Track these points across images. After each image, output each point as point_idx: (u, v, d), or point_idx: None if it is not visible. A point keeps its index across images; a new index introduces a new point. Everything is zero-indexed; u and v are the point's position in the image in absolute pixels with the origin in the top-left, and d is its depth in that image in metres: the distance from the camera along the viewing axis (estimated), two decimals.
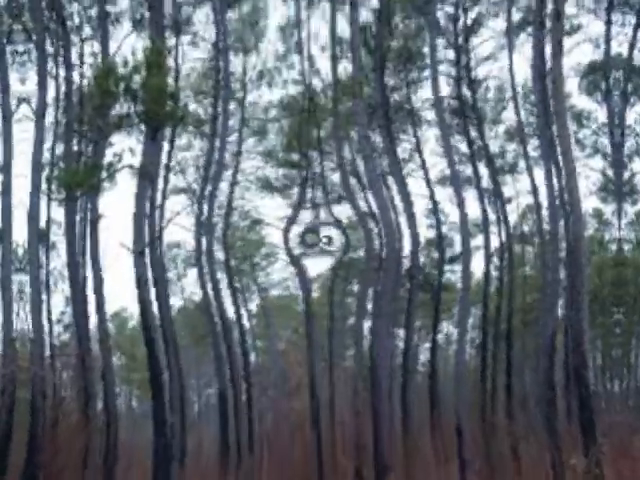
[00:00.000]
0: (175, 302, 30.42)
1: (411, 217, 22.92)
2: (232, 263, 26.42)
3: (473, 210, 23.57)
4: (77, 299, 18.69)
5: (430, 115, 24.79)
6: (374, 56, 23.09)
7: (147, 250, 17.41)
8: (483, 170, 24.36)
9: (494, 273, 24.91)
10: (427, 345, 26.56)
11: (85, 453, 17.21)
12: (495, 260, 25.02)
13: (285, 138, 25.96)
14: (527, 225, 26.88)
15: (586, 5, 21.21)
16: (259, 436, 23.97)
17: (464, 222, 20.92)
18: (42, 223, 18.97)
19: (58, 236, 21.68)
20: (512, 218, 25.30)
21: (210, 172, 24.05)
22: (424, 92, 24.81)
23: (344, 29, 22.35)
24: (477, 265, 24.22)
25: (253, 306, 33.67)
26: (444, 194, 25.33)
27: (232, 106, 25.10)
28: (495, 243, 24.59)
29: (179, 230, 24.00)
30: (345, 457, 20.73)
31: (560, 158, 16.24)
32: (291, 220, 22.85)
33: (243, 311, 28.33)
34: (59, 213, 20.22)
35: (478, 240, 25.62)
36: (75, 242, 19.05)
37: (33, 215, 17.20)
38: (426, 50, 23.47)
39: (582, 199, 15.58)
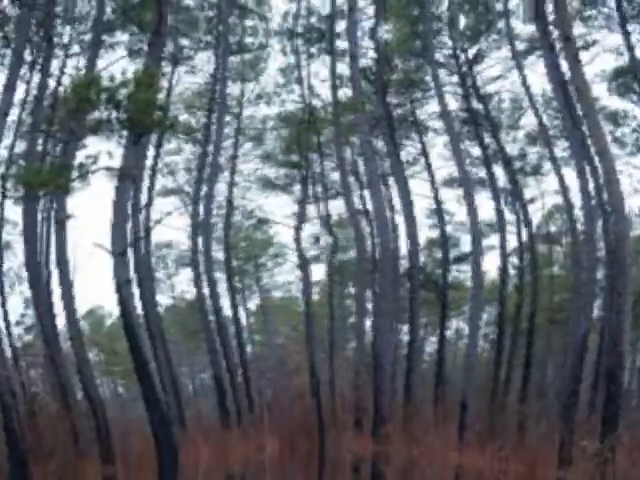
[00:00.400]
0: (164, 300, 30.73)
1: (410, 217, 22.63)
2: (233, 263, 26.05)
3: (482, 211, 22.85)
4: (40, 300, 17.66)
5: (437, 124, 24.61)
6: (375, 85, 22.96)
7: (131, 250, 16.74)
8: (498, 173, 24.11)
9: (511, 272, 24.53)
10: (434, 340, 26.27)
11: (74, 434, 16.42)
12: (513, 260, 24.74)
13: (284, 143, 25.58)
14: (555, 225, 26.53)
15: (597, 24, 20.62)
16: (259, 404, 23.73)
17: (474, 222, 20.42)
18: None
19: (13, 235, 20.93)
20: (534, 219, 24.97)
21: (204, 174, 23.57)
22: (430, 106, 24.74)
23: (344, 69, 22.58)
24: (487, 264, 24.18)
25: (252, 305, 33.70)
26: (450, 195, 25.43)
27: (228, 118, 24.75)
28: (512, 243, 24.36)
29: (169, 230, 23.79)
30: (345, 414, 20.73)
31: (596, 158, 15.32)
32: (300, 217, 22.40)
33: (241, 309, 28.12)
34: (15, 212, 19.08)
35: (488, 240, 25.20)
36: (35, 242, 17.92)
37: None
38: (428, 78, 23.25)
39: (625, 198, 14.49)
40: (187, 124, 24.08)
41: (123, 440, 17.19)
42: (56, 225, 17.28)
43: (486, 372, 23.13)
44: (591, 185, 16.74)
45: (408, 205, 22.67)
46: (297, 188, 25.29)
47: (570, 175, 20.27)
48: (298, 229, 22.16)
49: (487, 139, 23.76)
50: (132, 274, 16.83)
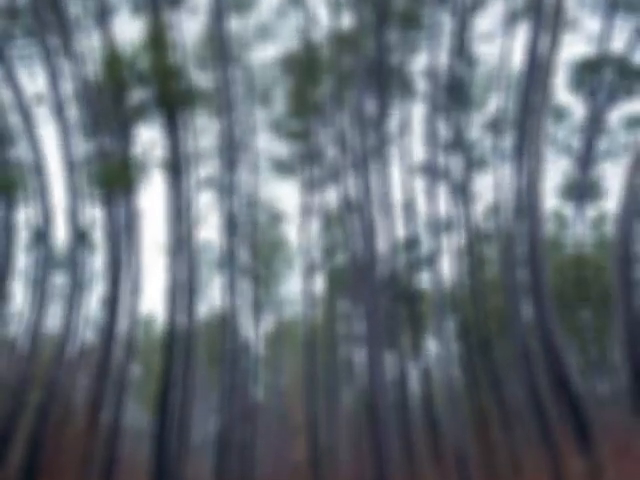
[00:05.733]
0: (201, 309, 30.55)
1: (388, 213, 21.37)
2: (258, 271, 24.87)
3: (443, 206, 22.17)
4: (110, 302, 17.85)
5: (421, 85, 23.64)
6: (375, 9, 21.59)
7: (180, 251, 16.28)
8: (457, 165, 22.85)
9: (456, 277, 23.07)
10: (417, 371, 24.14)
11: (87, 459, 16.81)
12: (457, 262, 23.32)
13: (288, 99, 24.55)
14: (489, 225, 25.50)
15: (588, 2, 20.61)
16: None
17: (433, 220, 19.26)
18: (82, 224, 18.12)
19: (96, 236, 19.98)
20: (478, 216, 23.93)
21: (228, 155, 22.70)
22: (420, 59, 23.96)
23: None
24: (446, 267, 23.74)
25: (267, 326, 33.63)
26: (418, 186, 25.16)
27: (236, 72, 24.22)
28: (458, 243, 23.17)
29: (208, 228, 25.86)
30: None
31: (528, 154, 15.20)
32: (306, 210, 21.99)
33: (257, 333, 26.64)
34: (97, 213, 18.92)
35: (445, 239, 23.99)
36: (114, 243, 18.19)
37: (71, 215, 16.21)
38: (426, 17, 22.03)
39: (546, 198, 15.27)
40: (205, 91, 23.14)
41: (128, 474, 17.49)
42: (131, 226, 17.30)
43: (465, 397, 22.28)
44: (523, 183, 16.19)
45: (387, 197, 21.37)
46: (302, 172, 24.28)
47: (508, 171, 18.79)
48: (305, 227, 21.69)
49: (457, 117, 22.49)
50: (181, 278, 16.35)
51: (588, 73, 20.98)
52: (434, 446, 21.73)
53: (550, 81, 15.09)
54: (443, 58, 22.81)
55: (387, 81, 22.45)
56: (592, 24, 21.14)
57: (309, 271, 22.11)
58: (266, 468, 24.59)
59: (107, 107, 16.04)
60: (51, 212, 18.28)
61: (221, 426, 21.76)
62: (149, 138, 14.87)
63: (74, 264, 17.01)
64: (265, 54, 25.53)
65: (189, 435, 21.88)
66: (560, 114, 22.49)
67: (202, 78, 23.52)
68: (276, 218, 28.81)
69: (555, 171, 22.94)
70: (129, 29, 19.69)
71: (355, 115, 20.18)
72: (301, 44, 23.01)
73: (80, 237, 17.81)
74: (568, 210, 25.76)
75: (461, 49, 22.66)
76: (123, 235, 18.19)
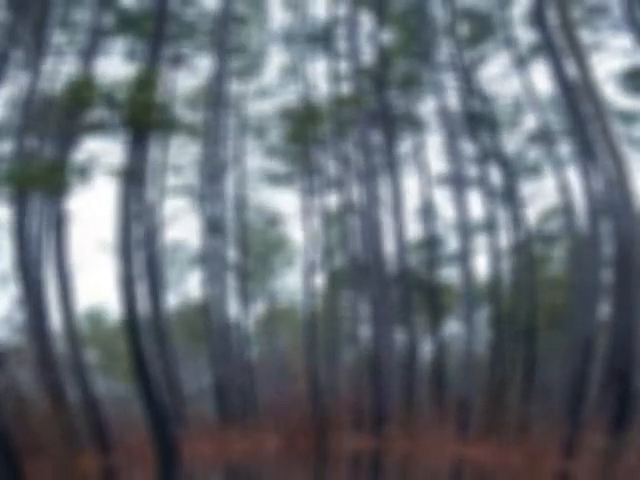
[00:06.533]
0: (174, 300, 29.49)
1: (399, 216, 21.95)
2: (246, 265, 25.33)
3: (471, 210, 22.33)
4: (30, 300, 17.38)
5: (435, 120, 23.71)
6: (374, 81, 22.51)
7: (142, 248, 16.86)
8: (491, 172, 23.57)
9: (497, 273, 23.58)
10: (428, 345, 24.91)
11: (69, 431, 16.16)
12: (503, 260, 23.83)
13: (285, 138, 24.77)
14: (550, 225, 25.35)
15: (604, 25, 20.33)
16: (259, 403, 23.07)
17: (465, 221, 20.05)
18: None
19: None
20: (529, 219, 24.34)
21: (211, 170, 22.51)
22: (429, 103, 24.09)
23: (344, 68, 22.41)
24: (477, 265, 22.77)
25: (256, 311, 32.61)
26: (438, 194, 24.75)
27: (230, 115, 24.02)
28: (503, 243, 23.71)
29: (182, 229, 23.67)
30: (345, 413, 20.43)
31: (604, 157, 15.25)
32: (306, 211, 22.18)
33: (247, 314, 26.25)
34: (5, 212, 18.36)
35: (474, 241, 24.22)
36: (26, 241, 17.59)
37: None
38: (429, 75, 22.82)
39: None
40: (190, 124, 22.83)
41: (121, 434, 16.92)
42: (55, 223, 17.07)
43: (486, 374, 22.20)
44: (597, 185, 16.15)
45: (398, 203, 22.06)
46: (300, 182, 24.67)
47: (569, 175, 20.38)
48: (308, 227, 21.81)
49: (484, 137, 23.21)
50: (139, 272, 16.79)
51: (636, 80, 20.02)
52: (438, 397, 21.53)
53: (598, 92, 14.82)
54: (453, 99, 23.07)
55: (393, 124, 22.97)
56: (618, 41, 19.91)
57: (310, 268, 22.39)
58: (266, 400, 23.94)
59: (57, 115, 15.17)
60: None
61: (217, 375, 21.65)
62: (101, 146, 13.95)
63: None
64: (262, 107, 25.85)
65: (181, 386, 21.65)
66: (626, 117, 21.29)
67: (189, 114, 23.36)
68: (271, 221, 28.04)
69: None
70: (116, 70, 18.35)
71: (360, 143, 20.70)
72: (300, 102, 23.52)
73: None
74: None
75: (471, 92, 22.75)
76: (50, 234, 17.81)
